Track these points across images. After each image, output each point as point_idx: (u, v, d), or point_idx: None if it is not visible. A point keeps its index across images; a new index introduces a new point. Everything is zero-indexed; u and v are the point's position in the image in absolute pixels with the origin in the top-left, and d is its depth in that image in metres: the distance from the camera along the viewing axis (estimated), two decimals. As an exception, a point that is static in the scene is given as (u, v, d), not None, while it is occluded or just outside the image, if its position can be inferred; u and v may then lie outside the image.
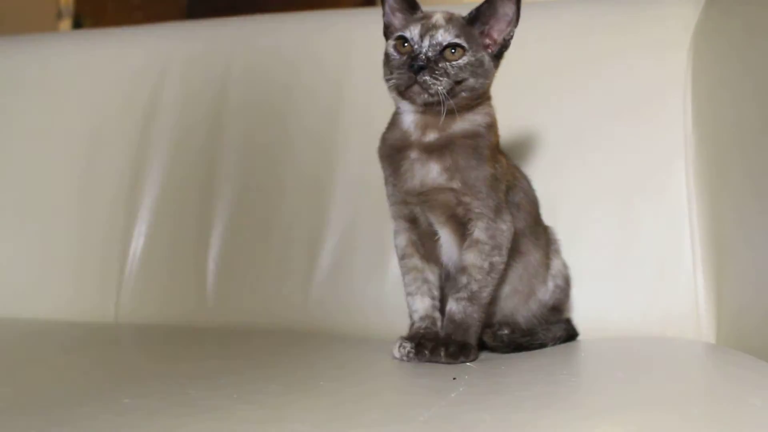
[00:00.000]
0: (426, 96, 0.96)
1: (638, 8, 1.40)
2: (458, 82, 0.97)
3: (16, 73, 1.71)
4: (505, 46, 1.02)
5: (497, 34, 1.01)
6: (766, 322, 1.01)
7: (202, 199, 1.49)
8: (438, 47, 0.97)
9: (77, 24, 3.71)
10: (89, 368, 0.90)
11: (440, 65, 0.96)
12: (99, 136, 1.60)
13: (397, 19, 1.05)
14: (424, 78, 0.95)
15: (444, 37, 0.97)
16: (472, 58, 0.98)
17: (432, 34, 0.97)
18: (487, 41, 1.01)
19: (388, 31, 1.05)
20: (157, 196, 1.52)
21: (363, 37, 1.48)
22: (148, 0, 4.24)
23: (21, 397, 0.72)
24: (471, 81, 0.98)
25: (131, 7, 4.15)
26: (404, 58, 0.98)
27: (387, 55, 1.02)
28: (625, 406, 0.69)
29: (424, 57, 0.96)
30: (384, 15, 1.05)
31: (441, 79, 0.95)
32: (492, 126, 1.04)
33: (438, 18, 1.00)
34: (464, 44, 0.97)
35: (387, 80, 1.01)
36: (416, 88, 0.96)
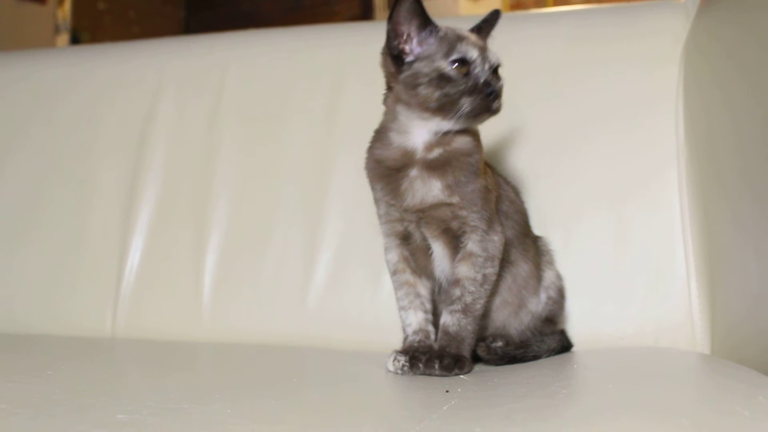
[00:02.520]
0: (489, 118, 0.99)
1: (630, 20, 1.42)
2: None
3: (12, 88, 1.72)
4: None
5: None
6: (760, 332, 1.01)
7: (198, 213, 1.50)
8: (492, 69, 0.98)
9: (75, 38, 3.72)
10: (84, 383, 0.90)
11: (499, 86, 0.98)
12: (95, 150, 1.61)
13: (408, 27, 0.96)
14: (499, 104, 0.97)
15: (495, 57, 0.99)
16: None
17: (487, 56, 0.98)
18: None
19: (392, 40, 0.98)
20: (154, 210, 1.52)
21: (357, 52, 1.50)
22: (145, 14, 4.26)
23: (15, 411, 0.72)
24: None
25: (128, 22, 4.17)
26: (470, 83, 0.95)
27: (442, 76, 0.95)
28: (615, 417, 0.69)
29: (495, 84, 0.96)
30: (390, 21, 0.96)
31: (501, 100, 0.98)
32: (479, 140, 1.05)
33: (474, 37, 1.00)
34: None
35: (439, 102, 0.95)
36: (488, 114, 0.97)
